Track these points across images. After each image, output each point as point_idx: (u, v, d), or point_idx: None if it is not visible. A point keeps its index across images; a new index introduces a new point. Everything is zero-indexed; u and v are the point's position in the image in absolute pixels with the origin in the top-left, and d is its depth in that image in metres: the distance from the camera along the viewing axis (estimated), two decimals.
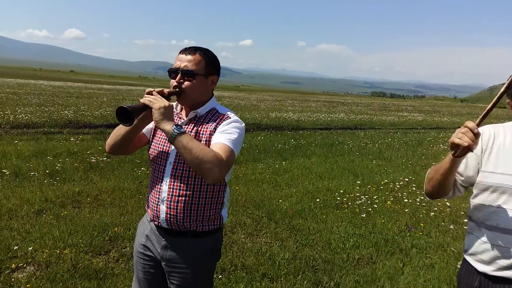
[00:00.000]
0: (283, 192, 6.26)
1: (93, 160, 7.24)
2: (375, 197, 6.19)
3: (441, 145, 13.44)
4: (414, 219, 5.30)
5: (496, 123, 1.77)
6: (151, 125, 1.92)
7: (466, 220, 3.84)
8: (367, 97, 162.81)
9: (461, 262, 1.79)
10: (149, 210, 1.90)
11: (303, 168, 8.12)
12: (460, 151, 1.46)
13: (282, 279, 3.50)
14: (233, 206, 5.25)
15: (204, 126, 1.80)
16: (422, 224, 5.06)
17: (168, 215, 1.78)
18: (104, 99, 24.25)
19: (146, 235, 1.92)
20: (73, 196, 5.21)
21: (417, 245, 4.41)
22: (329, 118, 22.21)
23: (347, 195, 6.19)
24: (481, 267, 1.63)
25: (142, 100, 1.68)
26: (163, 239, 1.85)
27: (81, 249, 3.72)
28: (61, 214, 4.54)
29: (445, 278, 3.69)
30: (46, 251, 3.60)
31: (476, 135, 1.43)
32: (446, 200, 5.93)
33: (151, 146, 1.92)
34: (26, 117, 12.45)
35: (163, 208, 1.79)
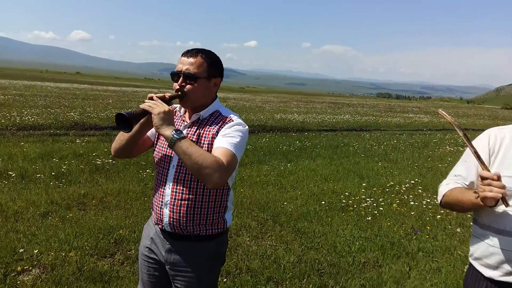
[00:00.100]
0: (288, 194, 6.24)
1: (98, 162, 7.26)
2: (380, 199, 6.15)
3: (447, 147, 13.35)
4: (421, 222, 5.26)
5: (503, 124, 1.75)
6: None
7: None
8: (372, 98, 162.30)
9: (467, 266, 1.77)
10: (153, 213, 1.90)
11: (308, 170, 8.09)
12: (497, 201, 1.45)
13: (287, 282, 3.48)
14: (238, 209, 5.24)
15: (206, 129, 1.79)
16: (428, 227, 5.02)
17: (171, 219, 1.78)
18: (110, 100, 24.36)
19: (151, 238, 1.92)
20: (79, 199, 5.22)
21: (424, 249, 4.38)
22: (334, 120, 22.16)
23: (353, 198, 6.16)
24: (487, 272, 1.60)
25: (142, 106, 1.67)
26: (167, 243, 1.85)
27: (87, 252, 3.72)
28: (66, 217, 4.55)
29: (452, 282, 3.65)
30: (52, 253, 3.61)
31: (499, 178, 1.42)
32: None
33: (155, 149, 1.92)
34: (32, 119, 12.53)
35: (166, 211, 1.79)
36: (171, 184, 1.79)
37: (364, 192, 6.53)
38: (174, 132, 1.60)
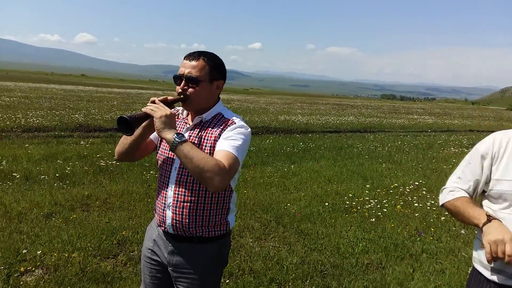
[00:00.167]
0: (291, 195, 6.23)
1: (102, 164, 7.29)
2: (384, 201, 6.12)
3: (452, 148, 13.29)
4: (425, 223, 5.23)
5: (508, 125, 1.74)
6: None
7: None
8: (377, 99, 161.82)
9: (471, 268, 1.76)
10: (156, 215, 1.90)
11: (312, 172, 8.08)
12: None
13: (290, 284, 3.47)
14: (241, 210, 5.24)
15: (209, 131, 1.79)
16: (432, 229, 4.99)
17: (174, 221, 1.78)
18: (115, 102, 24.45)
19: (154, 240, 1.92)
20: (82, 200, 5.24)
21: (428, 250, 4.35)
22: (338, 121, 22.11)
23: (356, 199, 6.14)
24: (490, 275, 1.59)
25: (143, 109, 1.68)
26: (170, 244, 1.85)
27: (89, 253, 3.73)
28: (70, 218, 4.56)
29: (456, 284, 3.62)
30: (55, 254, 3.62)
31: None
32: None
33: (158, 152, 1.93)
34: (37, 121, 12.60)
35: (169, 213, 1.79)
36: (173, 186, 1.79)
37: (368, 194, 6.51)
38: (175, 135, 1.60)
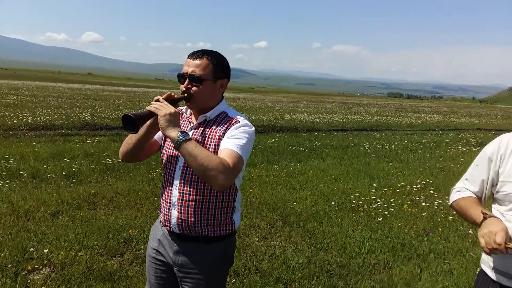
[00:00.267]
0: (297, 194, 6.21)
1: (109, 162, 7.31)
2: (391, 200, 6.08)
3: (459, 147, 13.18)
4: (432, 223, 5.19)
5: None
6: None
7: None
8: (383, 98, 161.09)
9: (479, 269, 1.76)
10: (161, 214, 1.90)
11: (318, 170, 8.05)
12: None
13: (296, 283, 3.46)
14: (247, 209, 5.23)
15: (213, 130, 1.78)
16: (440, 229, 4.95)
17: (180, 220, 1.77)
18: (121, 101, 24.56)
19: (158, 240, 1.92)
20: (89, 198, 5.26)
21: (435, 250, 4.31)
22: (344, 120, 22.03)
23: (363, 198, 6.11)
24: (496, 277, 1.60)
25: (148, 107, 1.68)
26: (175, 244, 1.84)
27: (96, 251, 3.74)
28: (77, 216, 4.58)
29: (464, 284, 3.59)
30: (62, 253, 3.64)
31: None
32: None
33: (162, 151, 1.92)
34: (44, 119, 12.68)
35: (174, 213, 1.79)
36: (178, 185, 1.78)
37: (375, 193, 6.47)
38: (180, 133, 1.60)
